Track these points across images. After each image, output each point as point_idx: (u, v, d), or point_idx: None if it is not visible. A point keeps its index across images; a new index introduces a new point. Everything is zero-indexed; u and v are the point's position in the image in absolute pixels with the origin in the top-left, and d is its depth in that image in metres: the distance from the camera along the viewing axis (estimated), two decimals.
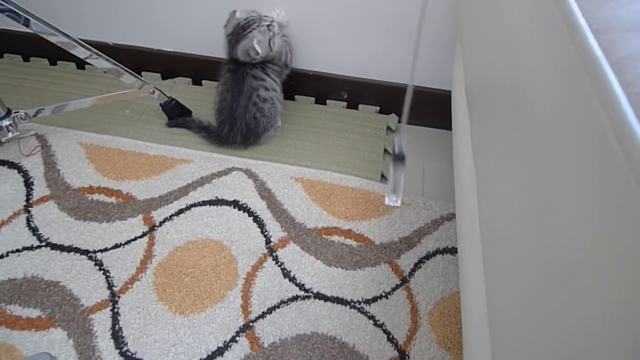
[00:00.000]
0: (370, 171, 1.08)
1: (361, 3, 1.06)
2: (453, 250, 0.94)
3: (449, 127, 1.19)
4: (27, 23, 0.92)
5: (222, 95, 1.08)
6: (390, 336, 0.81)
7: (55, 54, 1.34)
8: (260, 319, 0.82)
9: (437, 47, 1.10)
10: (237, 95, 1.05)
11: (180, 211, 0.97)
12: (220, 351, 0.78)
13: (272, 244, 0.93)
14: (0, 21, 1.29)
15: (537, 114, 0.42)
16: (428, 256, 0.93)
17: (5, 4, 0.89)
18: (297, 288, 0.86)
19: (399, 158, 0.66)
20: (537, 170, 0.41)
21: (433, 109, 1.20)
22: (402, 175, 0.68)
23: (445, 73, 1.14)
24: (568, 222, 0.34)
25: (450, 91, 1.15)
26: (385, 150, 1.14)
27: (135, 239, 0.93)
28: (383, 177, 1.08)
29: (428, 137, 1.21)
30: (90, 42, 1.02)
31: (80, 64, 1.33)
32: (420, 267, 0.91)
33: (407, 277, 0.90)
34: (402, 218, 0.99)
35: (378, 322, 0.83)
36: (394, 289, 0.88)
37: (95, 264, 0.89)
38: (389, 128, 1.20)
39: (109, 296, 0.84)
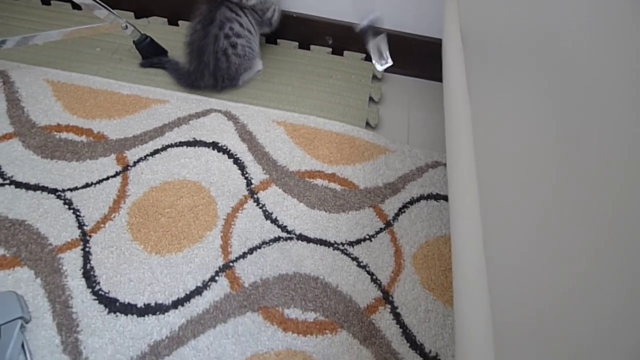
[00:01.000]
0: (355, 117, 1.05)
1: None
2: (438, 197, 0.93)
3: (434, 77, 1.17)
4: None
5: (193, 27, 1.01)
6: (374, 277, 0.80)
7: None
8: (241, 259, 0.80)
9: None
10: (208, 24, 0.98)
11: (156, 151, 0.92)
12: (198, 290, 0.76)
13: (253, 186, 0.89)
14: None
15: (574, 63, 0.39)
16: (412, 202, 0.92)
17: None
18: (279, 229, 0.84)
19: (370, 29, 0.67)
20: (561, 114, 0.38)
21: (418, 57, 1.17)
22: (381, 40, 0.71)
23: (433, 20, 1.10)
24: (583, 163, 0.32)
25: (437, 39, 1.12)
26: (371, 98, 1.11)
27: (108, 178, 0.88)
28: (368, 124, 1.05)
29: (413, 87, 1.18)
30: None
31: None
32: (404, 212, 0.90)
33: (391, 222, 0.88)
34: (387, 164, 0.97)
35: (362, 264, 0.81)
36: (377, 232, 0.86)
37: (65, 203, 0.84)
38: (374, 76, 1.16)
39: (79, 235, 0.80)
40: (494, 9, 0.59)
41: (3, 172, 0.87)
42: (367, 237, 0.85)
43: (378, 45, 0.67)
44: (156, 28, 1.20)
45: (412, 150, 1.00)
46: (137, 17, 1.22)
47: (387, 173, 0.95)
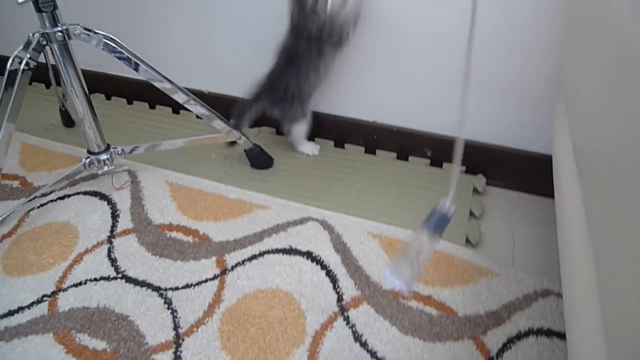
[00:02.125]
0: (453, 233, 1.00)
1: (449, 60, 1.03)
2: (549, 333, 0.82)
3: (542, 192, 1.10)
4: (136, 68, 0.99)
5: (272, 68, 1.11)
6: None
7: (155, 99, 1.44)
8: None
9: (532, 107, 1.04)
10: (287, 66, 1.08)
11: (253, 257, 0.95)
12: None
13: (344, 302, 0.87)
14: (112, 67, 1.43)
15: None
16: (519, 336, 0.81)
17: (123, 51, 0.97)
18: (369, 355, 0.78)
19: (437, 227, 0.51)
20: None
21: (524, 172, 1.11)
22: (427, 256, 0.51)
23: (541, 135, 1.06)
24: None
25: (545, 154, 1.07)
26: (471, 213, 1.06)
27: (206, 280, 0.91)
28: (468, 242, 1.00)
29: (518, 202, 1.11)
30: (188, 89, 1.08)
31: (176, 109, 1.42)
32: (510, 347, 0.80)
33: (495, 358, 0.78)
34: (490, 289, 0.89)
35: None
36: None
37: (165, 302, 0.88)
38: (475, 190, 1.12)
39: (173, 337, 0.82)
40: (612, 125, 0.54)
41: (118, 265, 0.95)
42: None
43: (415, 263, 0.50)
44: (266, 137, 1.30)
45: (519, 275, 0.91)
46: (250, 126, 1.34)
47: (489, 299, 0.87)
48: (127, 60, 0.98)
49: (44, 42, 0.91)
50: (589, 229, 0.61)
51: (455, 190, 0.52)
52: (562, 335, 0.81)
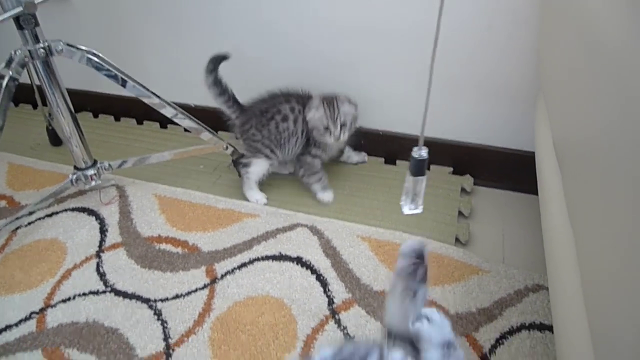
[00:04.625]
0: (443, 233, 1.01)
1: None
2: (542, 327, 0.82)
3: (529, 190, 1.11)
4: (124, 84, 1.00)
5: None
6: None
7: (142, 115, 1.45)
8: None
9: (514, 105, 1.05)
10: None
11: (243, 265, 0.95)
12: None
13: (335, 305, 0.86)
14: (98, 85, 1.44)
15: None
16: (512, 332, 0.81)
17: (107, 66, 0.98)
18: None
19: (418, 165, 0.59)
20: None
21: (510, 170, 1.12)
22: (422, 181, 0.61)
23: (524, 132, 1.07)
24: None
25: (529, 152, 1.08)
26: (460, 213, 1.06)
27: (196, 290, 0.90)
28: (458, 241, 1.00)
29: (506, 200, 1.12)
30: (175, 103, 1.08)
31: (164, 123, 1.42)
32: (503, 343, 0.80)
33: (488, 355, 0.78)
34: (481, 286, 0.89)
35: None
36: None
37: (155, 313, 0.87)
38: (463, 190, 1.13)
39: (163, 348, 0.81)
40: (588, 119, 0.55)
41: (107, 279, 0.94)
42: None
43: (416, 186, 0.61)
44: None
45: (509, 271, 0.91)
46: (237, 137, 1.35)
47: (480, 296, 0.87)
48: (113, 76, 0.99)
49: (27, 59, 0.92)
50: (570, 221, 0.61)
51: (422, 138, 0.58)
52: (553, 329, 0.81)
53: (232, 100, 1.10)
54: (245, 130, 1.10)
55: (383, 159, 1.23)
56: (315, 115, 1.04)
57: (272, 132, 1.07)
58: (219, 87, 1.08)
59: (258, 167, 1.10)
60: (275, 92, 1.10)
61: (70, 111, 1.03)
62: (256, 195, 1.12)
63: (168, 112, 1.07)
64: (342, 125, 1.04)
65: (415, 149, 0.58)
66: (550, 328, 0.81)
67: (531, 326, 0.82)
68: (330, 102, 1.04)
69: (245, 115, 1.10)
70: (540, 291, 0.87)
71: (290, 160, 1.15)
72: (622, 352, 0.39)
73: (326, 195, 1.11)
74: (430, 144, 1.14)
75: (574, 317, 0.56)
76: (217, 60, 1.06)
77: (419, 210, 0.64)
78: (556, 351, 0.63)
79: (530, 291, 0.88)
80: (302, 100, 1.08)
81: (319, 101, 1.04)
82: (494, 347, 0.79)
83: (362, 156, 1.22)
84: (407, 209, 0.65)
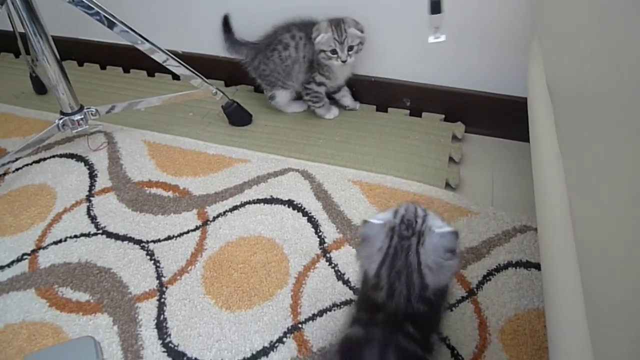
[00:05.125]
0: (433, 177, 1.01)
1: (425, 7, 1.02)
2: (528, 265, 0.84)
3: (520, 137, 1.11)
4: (110, 26, 0.97)
5: None
6: (455, 352, 0.72)
7: (129, 63, 1.40)
8: (310, 321, 0.76)
9: (507, 49, 1.04)
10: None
11: (235, 208, 0.95)
12: (265, 351, 0.73)
13: (326, 245, 0.87)
14: (83, 32, 1.39)
15: None
16: (498, 269, 0.83)
17: (93, 6, 0.94)
18: (352, 292, 0.80)
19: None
20: None
21: (500, 117, 1.12)
22: (442, 18, 0.69)
23: (516, 78, 1.06)
24: None
25: (521, 97, 1.07)
26: (451, 159, 1.07)
27: (188, 232, 0.91)
28: (448, 185, 1.01)
29: (496, 147, 1.12)
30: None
31: (151, 72, 1.39)
32: (490, 279, 0.82)
33: (475, 290, 0.80)
34: (470, 227, 0.90)
35: (441, 336, 0.74)
36: (459, 301, 0.78)
37: (147, 254, 0.87)
38: (454, 137, 1.13)
39: (157, 286, 0.82)
40: (584, 62, 0.54)
41: (98, 222, 0.94)
42: (447, 306, 0.78)
43: (436, 21, 0.70)
44: (243, 95, 1.28)
45: (497, 213, 0.93)
46: (226, 85, 1.33)
47: (469, 237, 0.89)
48: (97, 16, 0.95)
49: None
50: (562, 161, 0.61)
51: None
52: (539, 267, 0.83)
53: (248, 47, 1.15)
54: (255, 67, 1.15)
55: (375, 107, 1.22)
56: (324, 37, 1.04)
57: (277, 62, 1.11)
58: (237, 45, 1.15)
59: (282, 97, 1.18)
60: (279, 25, 1.12)
61: (56, 57, 1.00)
62: (296, 106, 1.21)
63: (159, 57, 1.04)
64: (349, 48, 1.04)
65: None
66: (536, 266, 0.83)
67: (518, 264, 0.84)
68: (337, 24, 1.04)
69: (254, 52, 1.14)
70: (528, 232, 0.89)
71: (299, 90, 1.18)
72: (610, 285, 0.40)
73: (332, 113, 1.18)
74: (422, 90, 1.15)
75: (562, 255, 0.58)
76: (226, 23, 1.14)
77: (442, 39, 0.73)
78: (543, 287, 0.65)
79: (517, 232, 0.89)
80: (304, 27, 1.09)
81: (327, 24, 1.04)
82: (481, 283, 0.81)
83: (355, 104, 1.21)
84: (432, 38, 0.74)
